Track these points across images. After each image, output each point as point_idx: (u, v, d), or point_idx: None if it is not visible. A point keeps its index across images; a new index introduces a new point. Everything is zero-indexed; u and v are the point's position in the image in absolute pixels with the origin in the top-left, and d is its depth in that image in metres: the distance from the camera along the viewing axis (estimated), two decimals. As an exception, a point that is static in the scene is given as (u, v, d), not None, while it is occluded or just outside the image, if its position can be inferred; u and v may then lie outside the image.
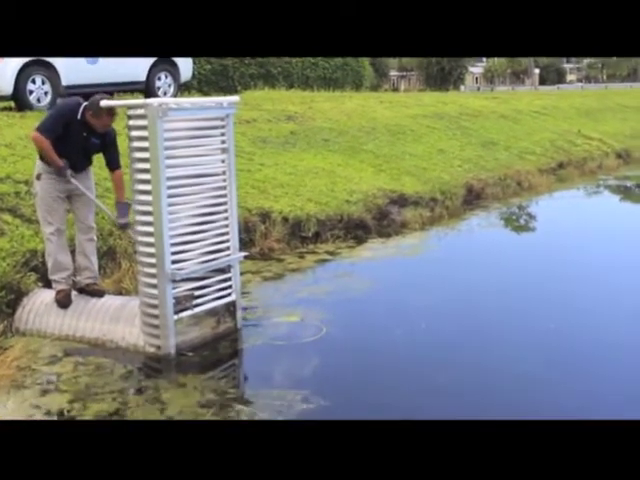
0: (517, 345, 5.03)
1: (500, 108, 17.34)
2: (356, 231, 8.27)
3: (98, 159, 5.29)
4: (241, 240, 5.60)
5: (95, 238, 5.35)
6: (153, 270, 4.71)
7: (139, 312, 4.89)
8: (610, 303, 5.93)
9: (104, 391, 4.26)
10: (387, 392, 4.27)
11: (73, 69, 9.65)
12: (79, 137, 4.95)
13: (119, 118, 5.13)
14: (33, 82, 9.45)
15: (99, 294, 5.22)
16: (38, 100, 9.49)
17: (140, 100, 5.02)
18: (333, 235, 7.98)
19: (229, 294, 5.16)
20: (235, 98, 5.26)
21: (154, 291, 4.73)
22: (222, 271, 5.12)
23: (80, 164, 5.09)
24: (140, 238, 4.79)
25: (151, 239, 4.69)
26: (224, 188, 5.05)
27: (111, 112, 4.90)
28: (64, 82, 9.68)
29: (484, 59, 60.14)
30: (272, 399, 4.10)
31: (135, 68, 10.77)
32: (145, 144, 4.59)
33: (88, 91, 5.12)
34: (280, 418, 3.87)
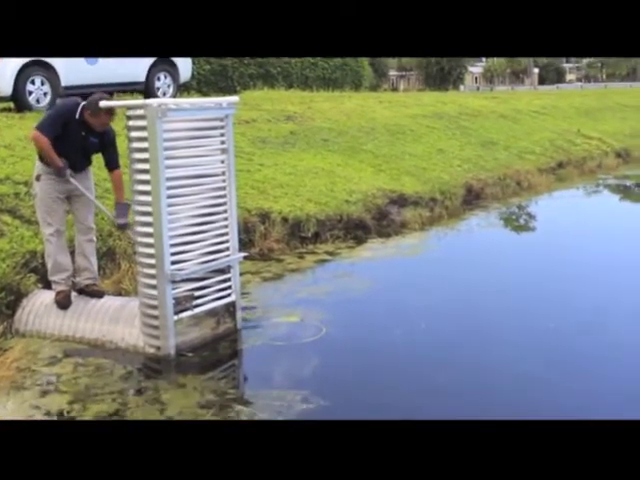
0: (517, 345, 5.03)
1: (499, 108, 17.34)
2: (356, 231, 8.27)
3: (98, 160, 5.28)
4: (241, 240, 5.60)
5: (95, 239, 5.35)
6: (153, 271, 4.71)
7: (139, 313, 4.89)
8: (610, 303, 5.92)
9: (104, 392, 4.26)
10: (387, 392, 4.27)
11: (72, 70, 9.64)
12: (78, 136, 4.94)
13: (118, 119, 5.13)
14: (32, 83, 9.44)
15: (99, 295, 5.22)
16: (37, 101, 9.48)
17: (139, 101, 5.02)
18: (333, 235, 7.98)
19: (229, 295, 5.16)
20: (234, 98, 5.26)
21: (154, 292, 4.73)
22: (222, 272, 5.12)
23: (79, 164, 5.08)
24: (140, 239, 4.79)
25: (151, 240, 4.69)
26: (224, 188, 5.05)
27: (109, 111, 4.90)
28: (63, 83, 9.67)
29: (483, 59, 60.13)
30: (272, 399, 4.10)
31: (134, 69, 10.76)
32: (144, 145, 4.59)
33: (87, 92, 5.12)
34: (280, 418, 3.87)
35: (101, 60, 9.99)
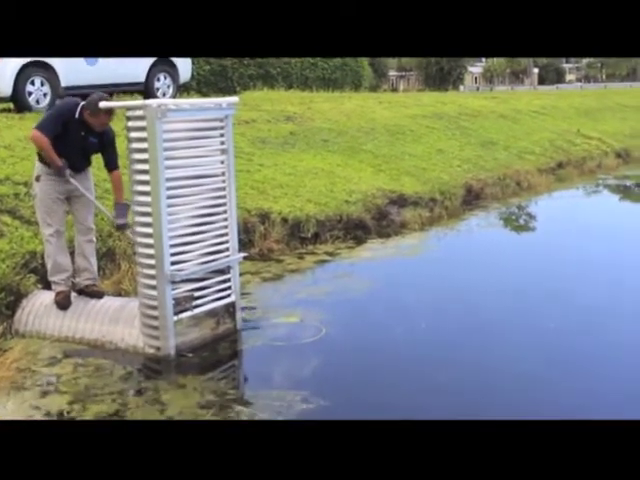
0: (517, 344, 5.03)
1: (499, 108, 17.35)
2: (355, 231, 8.27)
3: (98, 161, 5.28)
4: (240, 241, 5.60)
5: (94, 239, 5.35)
6: (152, 271, 4.71)
7: (138, 313, 4.88)
8: (610, 302, 5.92)
9: (104, 392, 4.26)
10: (387, 391, 4.27)
11: (72, 70, 9.64)
12: (77, 136, 4.94)
13: (118, 119, 5.13)
14: (32, 83, 9.43)
15: (98, 295, 5.22)
16: (37, 102, 9.48)
17: (139, 101, 5.02)
18: (332, 236, 7.98)
19: (228, 295, 5.16)
20: (234, 99, 5.26)
21: (153, 292, 4.73)
22: (221, 272, 5.11)
23: (79, 164, 5.08)
24: (139, 239, 4.79)
25: (150, 240, 4.69)
26: (223, 189, 5.05)
27: (109, 111, 4.90)
28: (63, 83, 9.67)
29: (483, 59, 60.16)
30: (272, 400, 4.10)
31: (134, 69, 10.76)
32: (144, 145, 4.59)
33: (87, 92, 5.11)
34: (280, 418, 3.87)
35: (101, 61, 9.99)
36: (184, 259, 4.82)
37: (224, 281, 5.13)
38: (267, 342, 5.04)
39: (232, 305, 5.19)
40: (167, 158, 4.62)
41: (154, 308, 4.74)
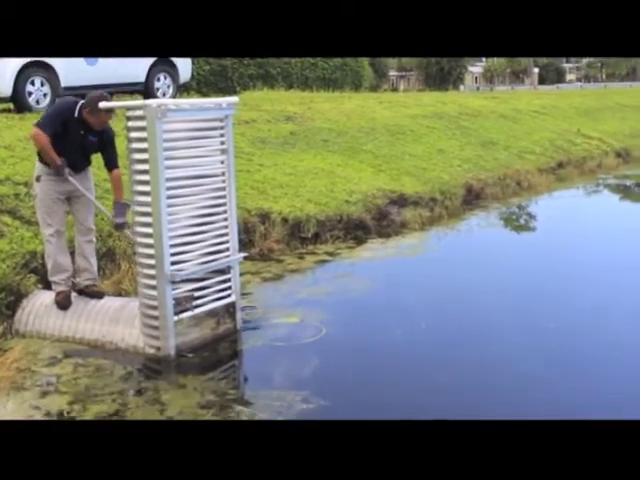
0: (517, 344, 5.02)
1: (499, 108, 17.35)
2: (356, 231, 8.27)
3: (98, 161, 5.28)
4: (240, 241, 5.60)
5: (94, 240, 5.35)
6: (152, 271, 4.71)
7: (139, 313, 4.88)
8: (610, 302, 5.92)
9: (104, 392, 4.26)
10: (387, 391, 4.28)
11: (72, 70, 9.64)
12: (77, 135, 4.94)
13: (118, 119, 5.13)
14: (32, 84, 9.43)
15: (98, 295, 5.22)
16: (37, 102, 9.48)
17: (139, 101, 5.02)
18: (333, 236, 7.98)
19: (229, 295, 5.16)
20: (234, 99, 5.26)
21: (154, 292, 4.73)
22: (222, 272, 5.11)
23: (79, 164, 5.08)
24: (139, 239, 4.79)
25: (150, 240, 4.69)
26: (223, 189, 5.05)
27: (108, 109, 4.89)
28: (63, 83, 9.67)
29: (483, 59, 60.15)
30: (272, 400, 4.10)
31: (134, 69, 10.76)
32: (144, 145, 4.59)
33: (87, 92, 5.11)
34: (280, 418, 3.87)
35: (101, 61, 9.99)
36: (184, 259, 4.82)
37: (224, 281, 5.14)
38: (267, 342, 5.04)
39: (232, 305, 5.19)
40: (167, 158, 4.62)
41: (154, 308, 4.74)
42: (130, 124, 4.70)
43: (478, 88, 48.69)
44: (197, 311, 4.94)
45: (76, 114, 4.91)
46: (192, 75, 12.90)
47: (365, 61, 22.75)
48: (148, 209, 4.65)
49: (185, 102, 5.25)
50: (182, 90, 13.08)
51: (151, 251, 4.69)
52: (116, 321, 4.98)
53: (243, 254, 5.37)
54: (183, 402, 4.13)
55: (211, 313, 5.09)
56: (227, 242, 5.11)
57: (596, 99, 23.10)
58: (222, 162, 5.04)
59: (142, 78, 11.02)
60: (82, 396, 4.20)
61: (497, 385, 4.45)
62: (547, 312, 5.66)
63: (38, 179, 5.04)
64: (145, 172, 4.62)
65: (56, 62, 9.54)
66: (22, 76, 9.26)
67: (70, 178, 4.99)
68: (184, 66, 11.80)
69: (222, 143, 5.03)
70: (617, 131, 18.00)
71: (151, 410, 4.04)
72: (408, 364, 4.77)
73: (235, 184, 5.14)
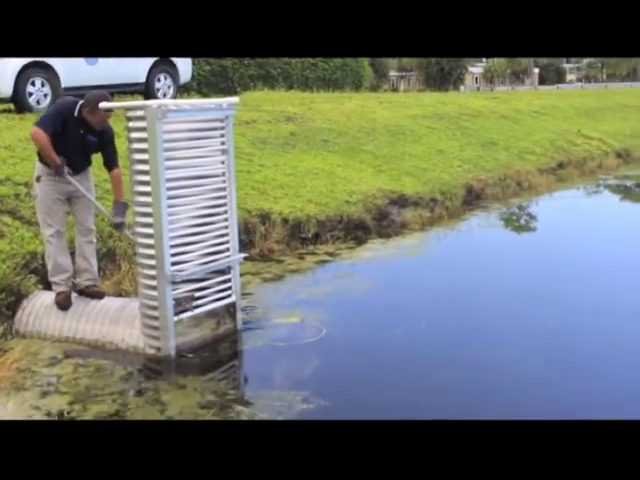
0: (517, 344, 5.03)
1: (500, 108, 17.35)
2: (356, 232, 8.27)
3: (98, 161, 5.28)
4: (241, 241, 5.60)
5: (95, 240, 5.35)
6: (153, 272, 4.71)
7: (139, 314, 4.88)
8: (610, 302, 5.92)
9: (104, 393, 4.26)
10: (387, 391, 4.28)
11: (72, 71, 9.64)
12: (76, 135, 4.94)
13: (118, 120, 5.13)
14: (32, 84, 9.43)
15: (99, 296, 5.22)
16: (38, 102, 9.48)
17: (139, 102, 5.02)
18: (333, 236, 7.98)
19: (229, 295, 5.16)
20: (234, 99, 5.26)
21: (154, 293, 4.73)
22: (222, 272, 5.11)
23: (79, 163, 5.08)
24: (140, 239, 4.79)
25: (151, 240, 4.69)
26: (224, 189, 5.05)
27: (107, 108, 4.90)
28: (63, 84, 9.67)
29: (484, 59, 60.15)
30: (272, 400, 4.10)
31: (134, 69, 10.76)
32: (144, 146, 4.59)
33: (88, 93, 5.12)
34: (280, 418, 3.87)
35: (101, 61, 9.99)
36: (185, 259, 4.82)
37: (224, 281, 5.14)
38: (268, 342, 5.04)
39: (232, 305, 5.19)
40: (167, 158, 4.63)
41: (154, 308, 4.74)
42: (130, 124, 4.70)
43: (478, 88, 48.70)
44: (197, 311, 4.94)
45: (76, 113, 4.92)
46: (192, 75, 12.90)
47: (365, 61, 22.75)
48: (148, 209, 4.65)
49: (185, 102, 5.26)
50: (182, 90, 13.08)
51: (151, 251, 4.69)
52: (116, 321, 4.98)
53: (243, 254, 5.37)
54: (183, 402, 4.13)
55: (211, 313, 5.09)
56: (227, 242, 5.11)
57: (596, 99, 23.10)
58: (222, 162, 5.04)
59: (142, 78, 11.02)
60: (82, 396, 4.20)
61: (497, 385, 4.45)
62: (547, 312, 5.66)
63: (38, 179, 5.04)
64: (145, 172, 4.62)
65: (56, 62, 9.54)
66: (22, 76, 9.25)
67: (70, 178, 4.99)
68: (184, 66, 11.80)
69: (222, 143, 5.03)
70: (617, 131, 18.00)
71: (151, 410, 4.04)
72: (408, 364, 4.77)
73: (235, 184, 5.14)
